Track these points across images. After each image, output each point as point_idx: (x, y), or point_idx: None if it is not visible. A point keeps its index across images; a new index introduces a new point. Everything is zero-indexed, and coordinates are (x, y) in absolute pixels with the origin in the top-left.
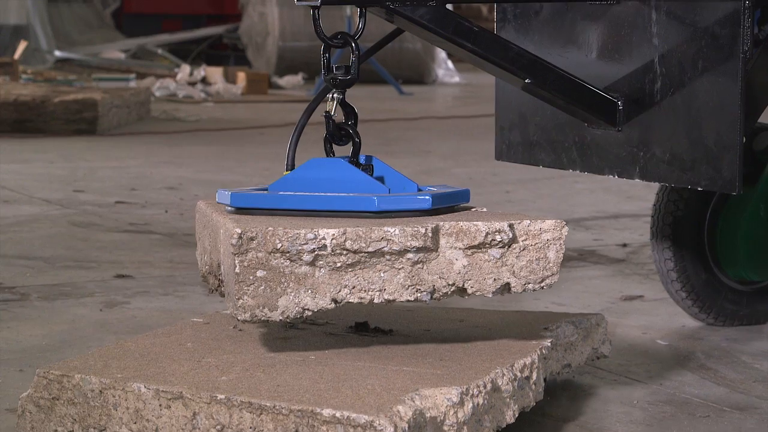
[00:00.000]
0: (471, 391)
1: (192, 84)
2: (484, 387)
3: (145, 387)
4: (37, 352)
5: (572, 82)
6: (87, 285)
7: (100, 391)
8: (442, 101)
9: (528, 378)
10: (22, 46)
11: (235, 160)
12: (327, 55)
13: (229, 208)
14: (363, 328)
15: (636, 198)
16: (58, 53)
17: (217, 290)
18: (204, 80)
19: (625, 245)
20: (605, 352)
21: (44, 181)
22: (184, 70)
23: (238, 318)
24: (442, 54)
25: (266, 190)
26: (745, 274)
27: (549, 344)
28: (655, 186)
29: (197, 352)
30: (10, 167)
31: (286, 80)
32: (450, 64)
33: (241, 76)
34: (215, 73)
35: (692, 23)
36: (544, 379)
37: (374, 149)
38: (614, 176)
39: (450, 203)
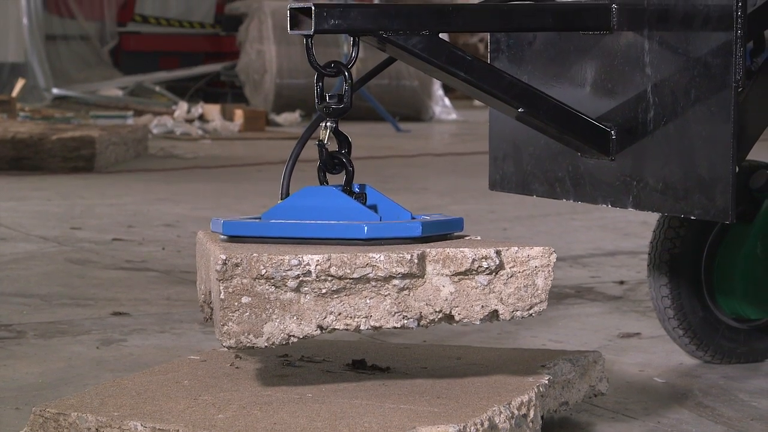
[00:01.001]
0: (468, 429)
1: (189, 121)
2: (482, 425)
3: (141, 425)
4: (34, 390)
5: (565, 112)
6: (84, 322)
7: (97, 430)
8: (439, 138)
9: (525, 416)
10: (19, 83)
11: (232, 197)
12: (320, 84)
13: (222, 236)
14: (360, 365)
15: (633, 235)
16: (55, 91)
17: (210, 318)
18: (201, 117)
19: (622, 282)
20: (603, 390)
21: (41, 218)
22: (182, 108)
23: (223, 344)
24: (439, 91)
25: (259, 218)
26: (742, 311)
27: (546, 382)
28: (652, 223)
29: (194, 389)
30: (7, 204)
31: (284, 117)
32: (447, 101)
33: (239, 114)
34: (213, 110)
35: (685, 53)
36: (542, 417)
37: (371, 186)
38: (607, 205)
39: (442, 231)
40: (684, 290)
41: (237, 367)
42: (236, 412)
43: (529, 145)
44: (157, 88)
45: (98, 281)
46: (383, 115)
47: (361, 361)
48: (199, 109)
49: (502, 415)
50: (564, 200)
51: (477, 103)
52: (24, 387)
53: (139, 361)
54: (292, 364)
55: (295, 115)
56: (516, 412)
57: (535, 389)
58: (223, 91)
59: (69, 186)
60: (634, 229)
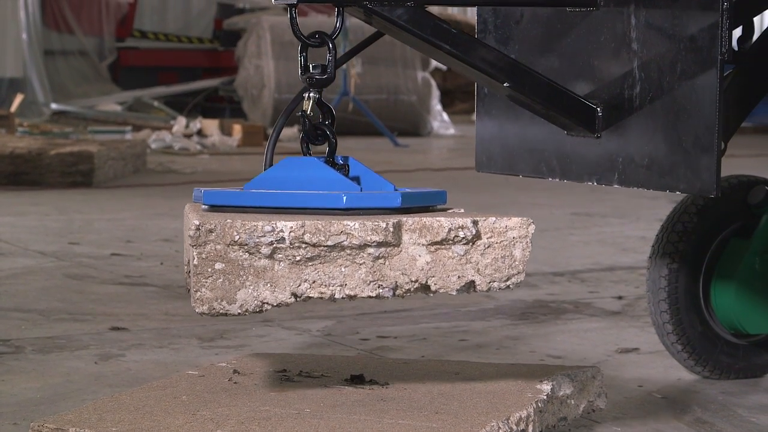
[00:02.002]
0: None
1: (188, 136)
2: None
3: None
4: (32, 406)
5: (551, 88)
6: (82, 337)
7: None
8: (438, 153)
9: (524, 431)
10: (18, 99)
11: None
12: (305, 54)
13: (204, 206)
14: (358, 380)
15: (631, 250)
16: (54, 106)
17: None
18: (200, 132)
19: (620, 298)
20: (601, 405)
21: (39, 233)
22: (180, 123)
23: (196, 311)
24: (437, 106)
25: (242, 189)
26: (740, 326)
27: (545, 397)
28: (650, 238)
29: (192, 405)
30: (6, 220)
31: (282, 132)
32: (445, 116)
33: (237, 129)
34: (211, 125)
35: (671, 28)
36: None
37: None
38: (593, 183)
39: (423, 203)
40: (683, 305)
41: (235, 383)
42: (234, 427)
43: (515, 125)
44: (156, 103)
45: (96, 296)
46: (381, 130)
47: (360, 377)
48: (198, 124)
49: (500, 431)
50: (549, 179)
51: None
52: (22, 402)
53: (137, 376)
54: (290, 380)
55: (293, 130)
56: (514, 427)
57: (534, 404)
58: (221, 106)
59: (67, 201)
60: (633, 244)
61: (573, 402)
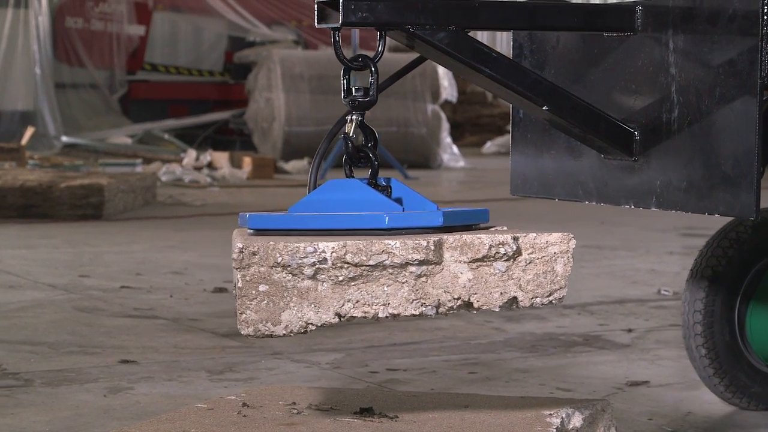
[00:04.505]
0: None
1: (198, 169)
2: None
3: None
4: None
5: (589, 111)
6: (91, 370)
7: None
8: (448, 185)
9: None
10: (29, 132)
11: None
12: (347, 77)
13: (249, 230)
14: (368, 413)
15: (641, 283)
16: (65, 138)
17: None
18: (210, 165)
19: (630, 330)
20: None
21: (49, 266)
22: (190, 155)
23: (242, 333)
24: (447, 139)
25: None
26: None
27: (554, 430)
28: (660, 271)
29: None
30: (16, 252)
31: (292, 165)
32: (455, 148)
33: (247, 161)
34: (221, 157)
35: (710, 52)
36: None
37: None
38: (630, 206)
39: (465, 221)
40: (718, 338)
41: (244, 416)
42: None
43: (551, 148)
44: (166, 136)
45: (106, 329)
46: (391, 162)
47: (369, 409)
48: (208, 156)
49: None
50: (586, 202)
51: (485, 150)
52: None
53: (146, 409)
54: (299, 413)
55: (303, 163)
56: None
57: None
58: (231, 138)
59: (77, 234)
60: (642, 276)
61: None
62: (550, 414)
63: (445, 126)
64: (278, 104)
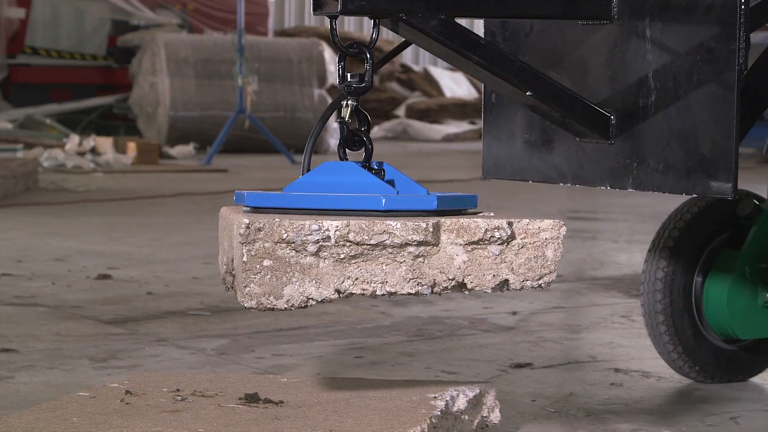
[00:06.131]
0: None
1: (81, 154)
2: None
3: None
4: None
5: (570, 96)
6: None
7: None
8: None
9: None
10: None
11: (125, 230)
12: (342, 64)
13: (246, 208)
14: (253, 399)
15: None
16: None
17: (231, 287)
18: (93, 150)
19: (514, 313)
20: (494, 420)
21: None
22: (73, 140)
23: (245, 305)
24: (334, 124)
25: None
26: (731, 332)
27: (439, 413)
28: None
29: (83, 427)
30: None
31: (178, 150)
32: None
33: (132, 146)
34: (105, 143)
35: (687, 40)
36: None
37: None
38: (606, 187)
39: (456, 206)
40: (676, 311)
41: (127, 403)
42: None
43: (524, 132)
44: (48, 121)
45: None
46: (278, 147)
47: (254, 395)
48: (91, 141)
49: None
50: (560, 184)
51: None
52: None
53: (27, 398)
54: (184, 399)
55: (189, 148)
56: None
57: (428, 420)
58: (116, 123)
59: None
60: None
61: (467, 417)
62: (435, 397)
63: None
64: (163, 89)
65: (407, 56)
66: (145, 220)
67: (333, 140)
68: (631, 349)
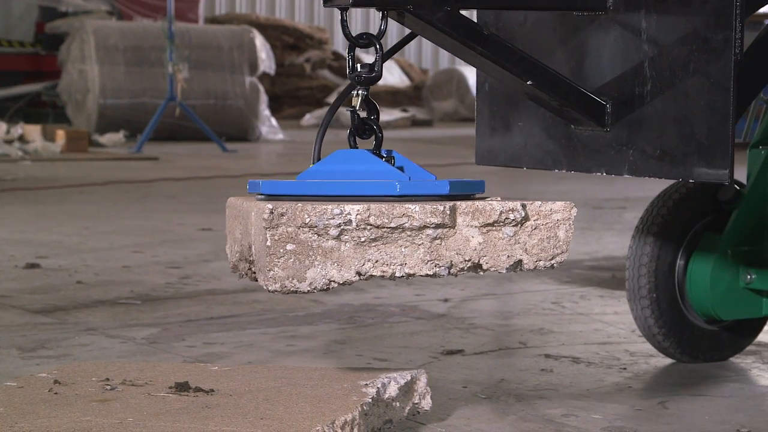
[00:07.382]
0: None
1: (9, 142)
2: None
3: None
4: None
5: (568, 85)
6: None
7: None
8: (266, 158)
9: None
10: None
11: (54, 219)
12: (352, 54)
13: (260, 197)
14: (183, 388)
15: None
16: None
17: (247, 274)
18: (22, 138)
19: (446, 300)
20: (426, 407)
21: None
22: (1, 128)
23: (269, 288)
24: (265, 111)
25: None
26: (713, 313)
27: (370, 400)
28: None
29: (10, 417)
30: None
31: (107, 138)
32: (273, 121)
33: (61, 134)
34: (33, 130)
35: (683, 30)
36: None
37: (198, 207)
38: (602, 173)
39: (467, 191)
40: (660, 293)
41: (56, 393)
42: None
43: (518, 119)
44: None
45: None
46: (209, 135)
47: (185, 384)
48: (19, 129)
49: None
50: (555, 170)
51: (304, 122)
52: None
53: None
54: (113, 389)
55: (119, 136)
56: (340, 431)
57: (359, 408)
58: (44, 111)
59: None
60: None
61: (398, 404)
62: (366, 384)
63: (264, 98)
64: (92, 76)
65: (339, 44)
66: (75, 208)
67: (264, 127)
68: (562, 335)
